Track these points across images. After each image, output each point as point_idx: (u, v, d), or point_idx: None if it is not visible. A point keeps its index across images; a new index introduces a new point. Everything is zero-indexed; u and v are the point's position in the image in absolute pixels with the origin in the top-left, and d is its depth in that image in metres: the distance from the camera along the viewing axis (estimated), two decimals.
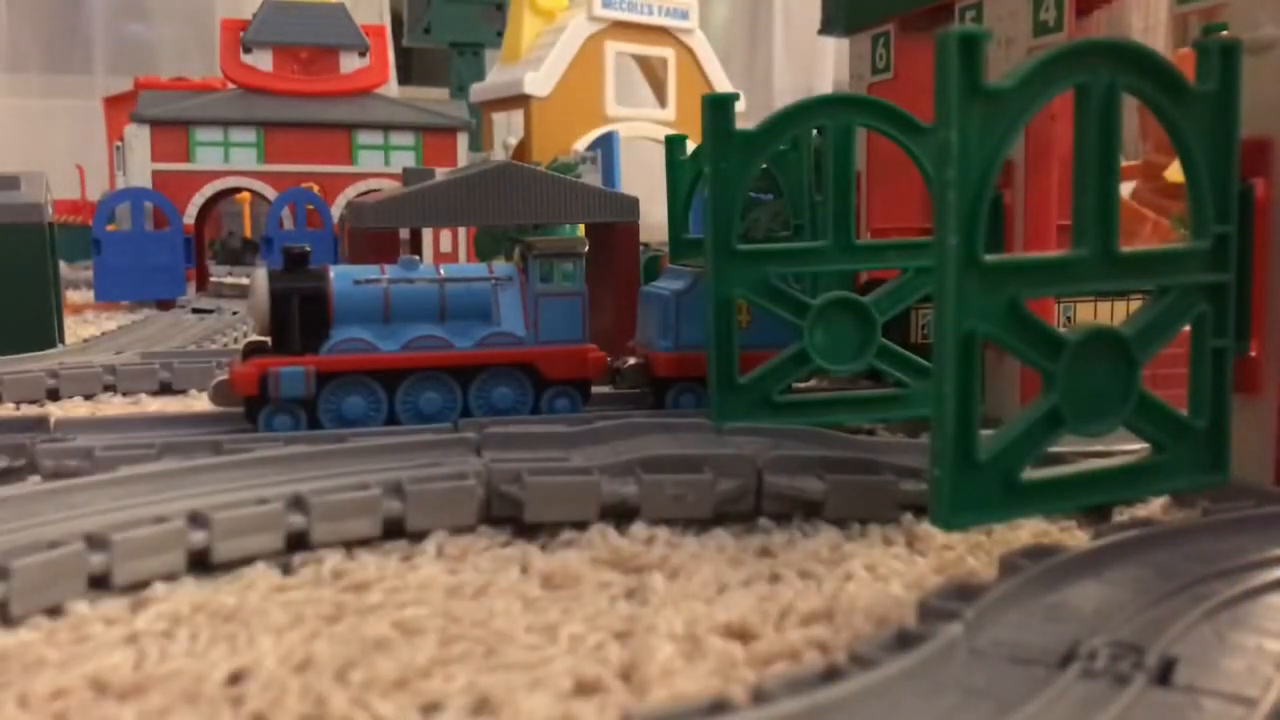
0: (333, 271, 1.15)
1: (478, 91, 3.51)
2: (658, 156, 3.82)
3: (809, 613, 0.72)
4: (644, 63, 3.70)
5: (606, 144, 3.24)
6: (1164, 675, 0.57)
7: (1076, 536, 0.88)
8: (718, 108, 1.12)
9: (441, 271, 1.17)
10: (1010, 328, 0.79)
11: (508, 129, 3.55)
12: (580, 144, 3.36)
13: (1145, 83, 0.82)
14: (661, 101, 3.67)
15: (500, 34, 4.36)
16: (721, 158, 1.12)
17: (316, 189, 2.79)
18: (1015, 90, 0.77)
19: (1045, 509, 0.84)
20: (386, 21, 5.00)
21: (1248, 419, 0.90)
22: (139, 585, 0.77)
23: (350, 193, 2.84)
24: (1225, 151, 0.86)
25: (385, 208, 1.38)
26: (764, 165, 1.56)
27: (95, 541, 0.77)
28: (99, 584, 0.76)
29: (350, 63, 2.95)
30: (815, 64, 6.33)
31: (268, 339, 1.16)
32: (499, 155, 3.55)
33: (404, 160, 2.87)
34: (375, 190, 2.86)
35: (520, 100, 3.37)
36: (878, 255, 1.16)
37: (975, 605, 0.64)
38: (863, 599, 0.74)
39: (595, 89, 3.44)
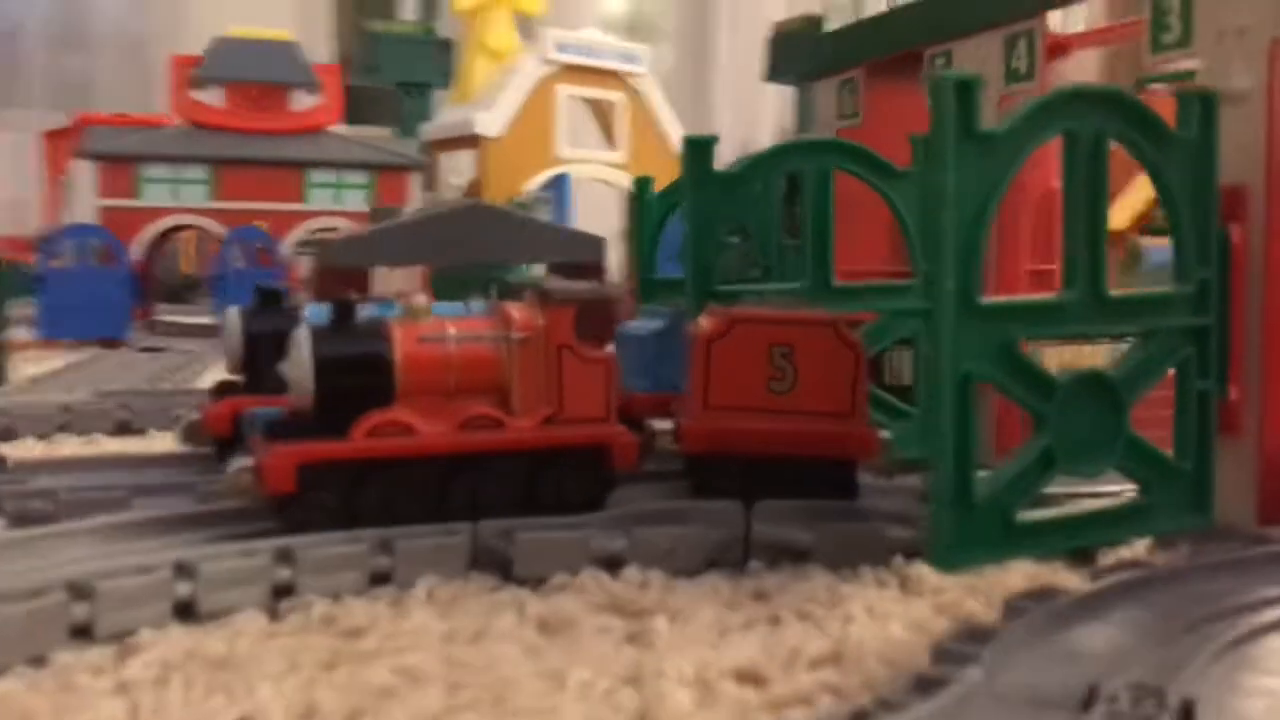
0: (307, 310, 1.13)
1: (428, 131, 3.51)
2: (609, 198, 3.84)
3: (816, 656, 0.72)
4: (594, 105, 3.72)
5: (558, 185, 3.25)
6: (1185, 717, 0.57)
7: (1066, 578, 0.89)
8: (697, 150, 1.13)
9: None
10: (1004, 369, 0.80)
11: (451, 169, 3.55)
12: (531, 185, 3.37)
13: (1131, 130, 0.84)
14: (611, 144, 3.69)
15: (447, 74, 4.37)
16: (702, 199, 1.13)
17: (266, 227, 2.76)
18: (1009, 134, 0.79)
19: (1039, 550, 0.85)
20: (333, 60, 4.98)
21: (1229, 461, 0.91)
22: (123, 634, 0.75)
23: (300, 231, 2.82)
24: (1206, 197, 0.88)
25: (356, 245, 1.36)
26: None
27: (78, 590, 0.74)
28: (81, 634, 0.73)
29: (301, 100, 2.93)
30: (756, 111, 6.39)
31: (238, 378, 1.13)
32: (448, 195, 3.54)
33: (355, 199, 2.85)
34: (330, 229, 2.84)
35: (471, 140, 3.38)
36: (855, 297, 1.16)
37: (990, 648, 0.64)
38: (868, 641, 0.74)
39: (546, 130, 3.45)
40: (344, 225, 2.81)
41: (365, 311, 0.96)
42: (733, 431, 0.96)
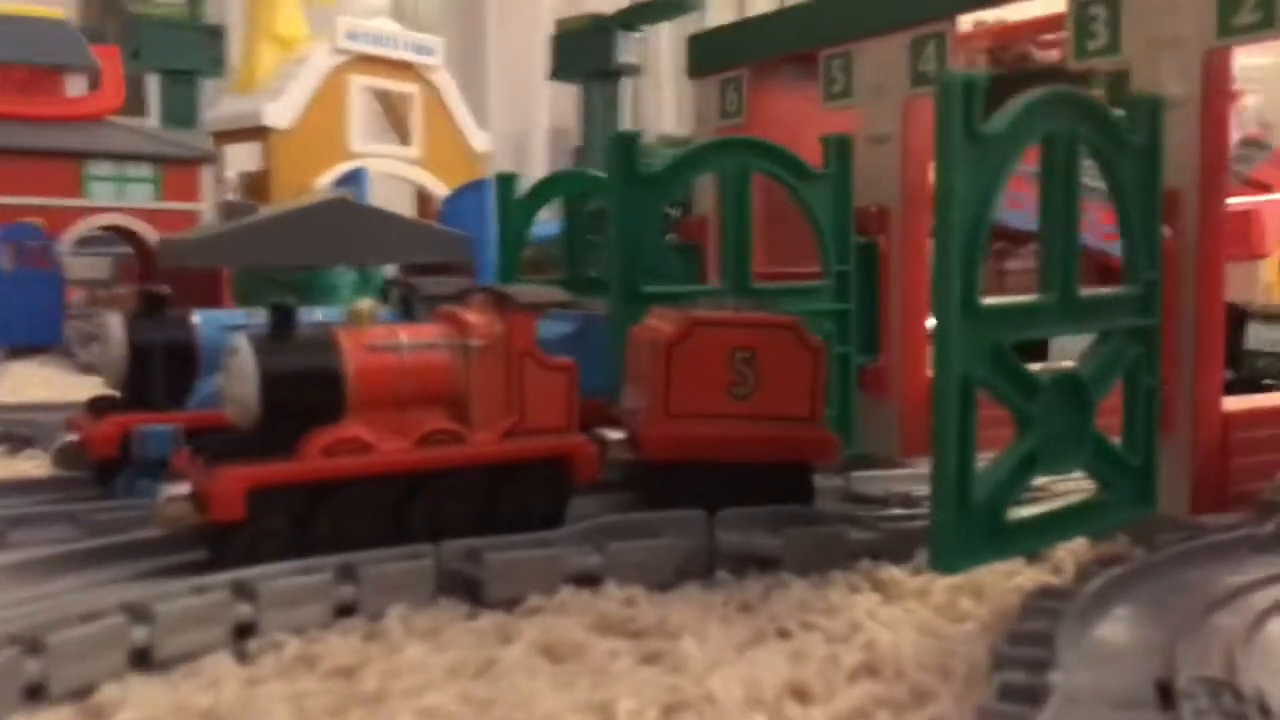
0: (197, 317, 1.02)
1: (210, 122, 3.29)
2: (402, 195, 3.71)
3: (851, 668, 0.70)
4: (384, 99, 3.59)
5: (356, 181, 3.11)
6: (1265, 710, 0.58)
7: (1030, 575, 0.90)
8: (623, 147, 1.09)
9: (319, 316, 1.07)
10: (996, 371, 0.80)
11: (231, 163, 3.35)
12: (323, 180, 3.22)
13: (1098, 135, 0.86)
14: (403, 139, 3.57)
15: (217, 62, 4.12)
16: (628, 199, 1.09)
17: (41, 224, 2.52)
18: (1004, 135, 0.79)
19: (1027, 548, 0.86)
20: None
21: (1166, 454, 0.95)
22: (80, 691, 0.65)
23: (81, 228, 2.59)
24: (1153, 201, 0.91)
25: (210, 245, 1.25)
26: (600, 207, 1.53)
27: (29, 644, 0.64)
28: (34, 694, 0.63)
29: (76, 86, 2.69)
30: (529, 107, 6.34)
31: (115, 393, 1.02)
32: (232, 189, 3.34)
33: (141, 194, 2.64)
34: (118, 227, 2.63)
35: (258, 132, 3.19)
36: (772, 299, 1.15)
37: (1045, 649, 0.64)
38: (893, 649, 0.72)
39: (339, 123, 3.31)
40: (135, 223, 2.61)
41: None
42: (695, 438, 0.92)
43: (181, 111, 3.85)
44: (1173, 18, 0.95)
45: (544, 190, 1.56)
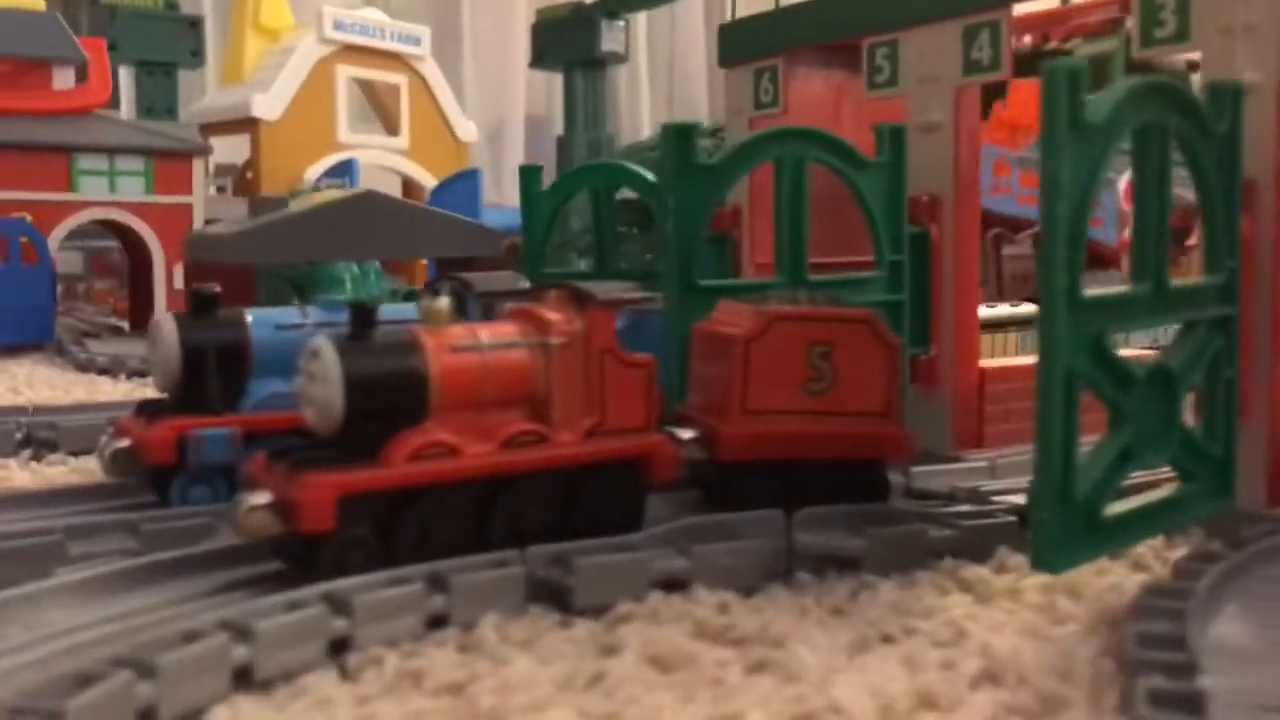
0: (249, 316, 0.99)
1: (196, 114, 3.24)
2: (390, 186, 3.67)
3: (973, 675, 0.68)
4: (369, 89, 3.55)
5: (347, 173, 3.07)
6: None
7: (1119, 572, 0.88)
8: (680, 138, 1.07)
9: (317, 311, 1.04)
10: (1096, 364, 0.79)
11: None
12: (312, 172, 3.18)
13: (1186, 124, 0.84)
14: (390, 129, 3.52)
15: (196, 53, 4.06)
16: (683, 190, 1.07)
17: (30, 219, 2.46)
18: (1106, 124, 0.77)
19: (1123, 544, 0.84)
20: None
21: (1243, 445, 0.94)
22: (189, 715, 0.62)
23: (70, 223, 2.53)
24: (1233, 190, 0.90)
25: (245, 240, 1.22)
26: (627, 197, 1.51)
27: (139, 668, 0.61)
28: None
29: (64, 78, 2.63)
30: (506, 95, 6.29)
31: (165, 396, 0.99)
32: (219, 181, 3.29)
33: (133, 188, 2.59)
34: (100, 221, 2.57)
35: (246, 124, 3.15)
36: (829, 291, 1.13)
37: (1182, 651, 0.63)
38: (1015, 655, 0.70)
39: (327, 114, 3.26)
40: (126, 217, 2.56)
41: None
42: (773, 437, 0.91)
43: (160, 104, 3.79)
44: (1246, 4, 0.94)
45: (570, 182, 1.54)
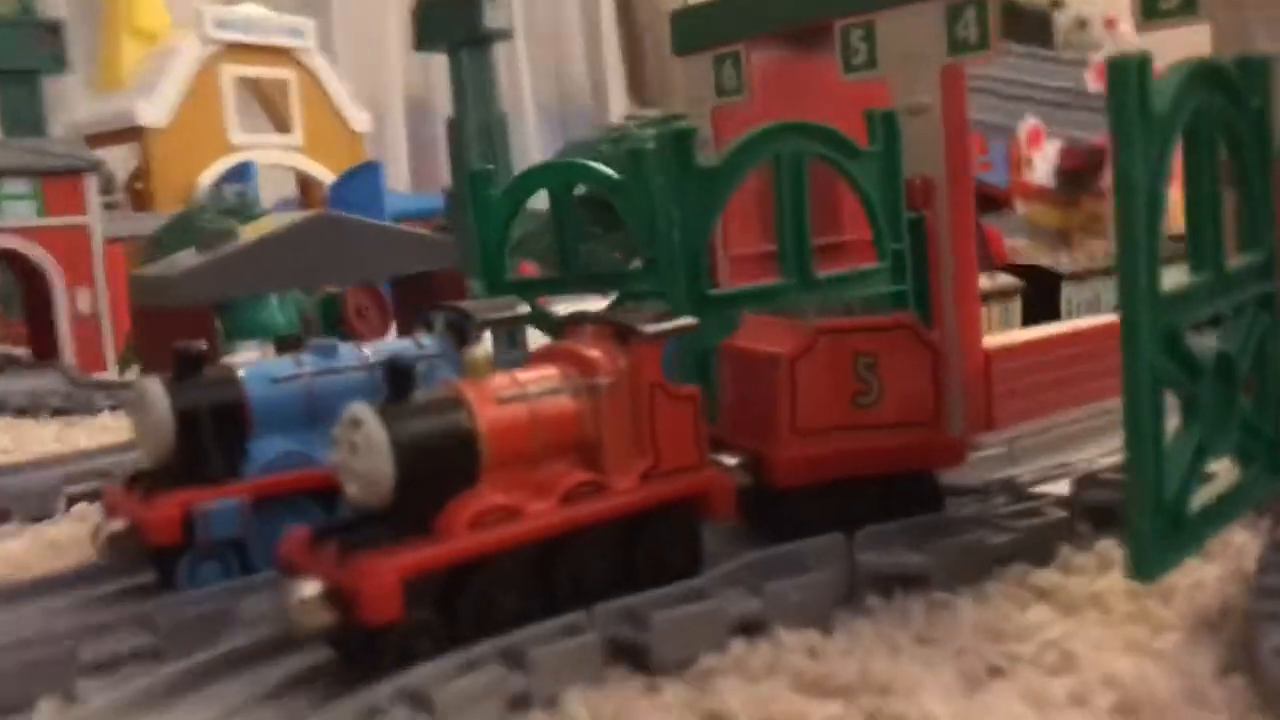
0: (242, 372, 0.92)
1: (75, 125, 3.06)
2: (286, 185, 3.52)
3: (1109, 710, 0.65)
4: (256, 87, 3.40)
5: (244, 175, 2.94)
6: None
7: (1202, 570, 0.86)
8: (680, 142, 1.01)
9: (367, 353, 0.97)
10: (1171, 359, 0.76)
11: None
12: (206, 177, 3.04)
13: (1228, 102, 0.82)
14: (282, 127, 3.39)
15: (59, 60, 3.84)
16: (687, 195, 1.02)
17: None
18: (1170, 113, 0.74)
19: (1204, 540, 0.82)
20: None
21: None
22: None
23: None
24: (1268, 164, 0.88)
25: (199, 279, 1.13)
26: (591, 195, 1.45)
27: None
28: None
29: None
30: (384, 79, 6.11)
31: (156, 466, 0.90)
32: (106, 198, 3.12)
33: (22, 211, 2.43)
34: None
35: (131, 133, 2.99)
36: (838, 287, 1.09)
37: None
38: (1142, 680, 0.67)
39: (216, 116, 3.12)
40: (18, 243, 2.40)
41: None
42: (828, 457, 0.86)
43: (26, 116, 3.57)
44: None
45: (527, 183, 1.46)
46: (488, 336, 0.99)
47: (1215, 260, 0.81)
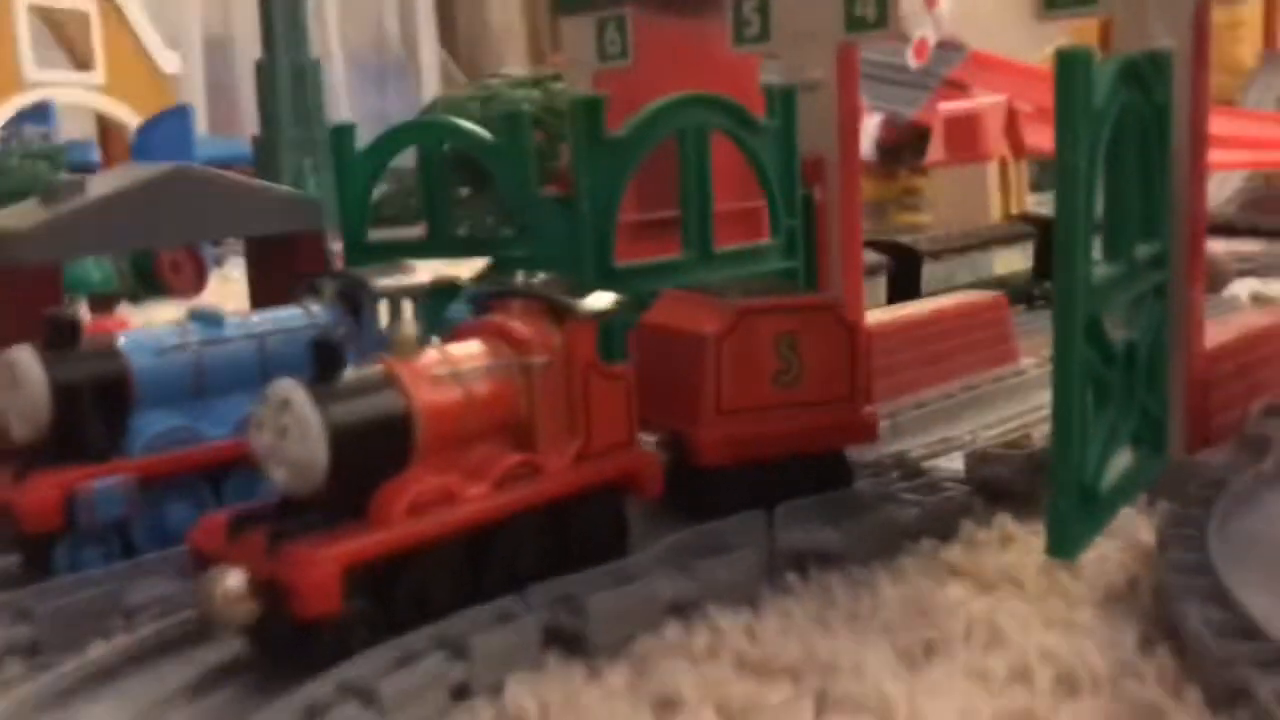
0: (122, 342, 0.84)
1: None
2: (86, 127, 3.29)
3: (1051, 685, 0.67)
4: (51, 19, 3.15)
5: (44, 116, 2.73)
6: None
7: (1102, 546, 0.89)
8: (589, 111, 0.99)
9: (255, 321, 0.91)
10: (1092, 346, 0.79)
11: None
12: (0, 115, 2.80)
13: (1142, 98, 0.85)
14: (81, 64, 3.15)
15: None
16: (596, 165, 0.99)
17: None
18: (1105, 107, 0.76)
19: (1110, 519, 0.85)
20: None
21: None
22: None
23: None
24: (1166, 160, 0.91)
25: (49, 234, 1.04)
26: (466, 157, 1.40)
27: None
28: None
29: None
30: (180, 15, 5.76)
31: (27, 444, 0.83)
32: None
33: None
34: None
35: None
36: (735, 262, 1.09)
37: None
38: (1075, 655, 0.69)
39: (8, 49, 2.87)
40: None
41: None
42: (752, 437, 0.86)
43: None
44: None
45: (391, 142, 1.40)
46: (407, 308, 0.94)
47: (1128, 251, 0.84)
